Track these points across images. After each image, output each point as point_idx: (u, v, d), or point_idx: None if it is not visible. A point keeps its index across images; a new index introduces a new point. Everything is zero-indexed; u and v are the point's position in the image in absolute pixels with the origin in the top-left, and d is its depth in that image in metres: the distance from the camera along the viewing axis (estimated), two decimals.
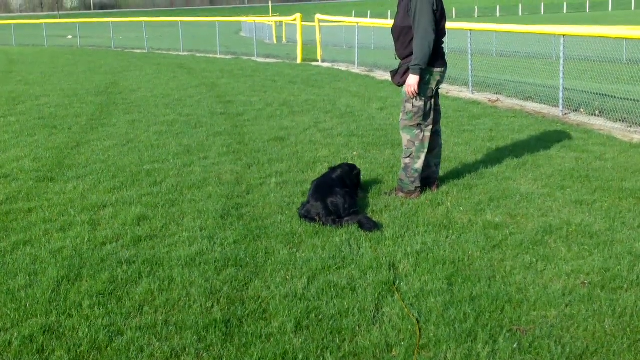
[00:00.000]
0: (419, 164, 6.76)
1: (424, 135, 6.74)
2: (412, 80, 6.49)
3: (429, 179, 7.00)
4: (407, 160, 6.78)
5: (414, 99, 6.60)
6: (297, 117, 11.43)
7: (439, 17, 6.47)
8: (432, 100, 6.72)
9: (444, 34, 6.66)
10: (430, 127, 6.76)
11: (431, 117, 6.75)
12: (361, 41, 21.43)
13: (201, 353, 3.95)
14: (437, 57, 6.56)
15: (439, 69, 6.63)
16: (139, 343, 4.03)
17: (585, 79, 14.32)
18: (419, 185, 6.83)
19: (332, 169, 6.87)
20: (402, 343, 4.00)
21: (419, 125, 6.71)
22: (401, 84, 6.69)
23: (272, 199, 6.83)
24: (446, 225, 5.97)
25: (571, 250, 5.33)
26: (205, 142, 9.55)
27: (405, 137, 6.80)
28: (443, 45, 6.74)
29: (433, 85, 6.64)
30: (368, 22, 25.43)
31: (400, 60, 6.73)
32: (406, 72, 6.57)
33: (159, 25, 43.27)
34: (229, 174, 7.81)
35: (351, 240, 5.61)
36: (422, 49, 6.36)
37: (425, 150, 6.77)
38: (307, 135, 9.88)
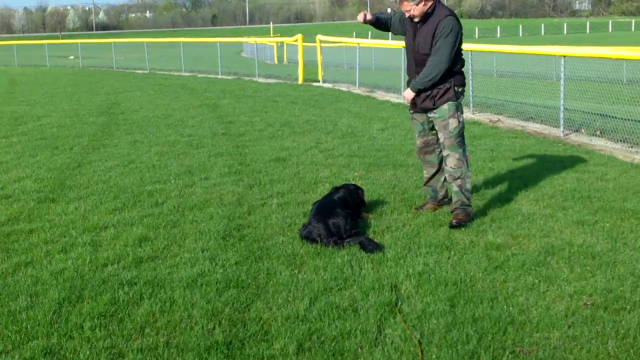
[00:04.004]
0: (470, 182, 6.70)
1: (469, 153, 6.69)
2: (409, 95, 6.63)
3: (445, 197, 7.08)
4: (459, 182, 6.62)
5: (458, 114, 6.60)
6: (298, 138, 11.45)
7: (458, 49, 6.54)
8: None
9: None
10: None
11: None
12: (362, 62, 21.50)
13: None
14: (463, 77, 6.70)
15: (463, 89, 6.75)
16: None
17: (585, 100, 14.35)
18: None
19: (335, 189, 6.88)
20: None
21: (462, 142, 6.67)
22: (437, 107, 6.60)
23: (273, 219, 6.82)
24: (448, 246, 5.96)
25: (573, 271, 5.32)
26: (207, 163, 9.56)
27: (454, 155, 6.64)
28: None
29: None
30: (369, 43, 25.57)
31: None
32: (444, 94, 6.56)
33: (160, 45, 43.45)
34: (231, 194, 7.81)
35: (353, 261, 5.60)
36: (431, 73, 6.40)
37: (470, 169, 6.78)
38: (309, 156, 9.89)
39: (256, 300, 4.89)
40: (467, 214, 6.58)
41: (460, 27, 6.49)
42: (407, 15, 6.50)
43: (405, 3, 6.40)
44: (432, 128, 6.81)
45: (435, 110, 6.63)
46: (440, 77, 6.45)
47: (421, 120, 6.84)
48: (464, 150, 6.69)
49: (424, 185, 7.12)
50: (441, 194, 7.00)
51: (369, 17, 6.71)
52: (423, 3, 6.37)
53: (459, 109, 6.62)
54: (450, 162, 6.65)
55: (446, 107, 6.57)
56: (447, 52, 6.36)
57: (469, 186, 6.66)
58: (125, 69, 32.97)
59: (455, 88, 6.58)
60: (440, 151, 6.83)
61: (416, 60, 6.61)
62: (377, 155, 9.82)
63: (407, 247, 5.94)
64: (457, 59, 6.53)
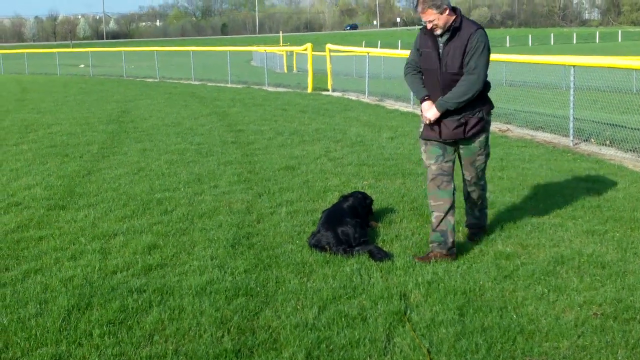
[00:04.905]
0: (487, 199, 6.55)
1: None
2: (433, 114, 5.80)
3: None
4: (484, 211, 6.51)
5: (487, 147, 6.09)
6: (307, 146, 11.46)
7: None
8: None
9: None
10: None
11: None
12: (371, 71, 21.50)
13: None
14: (491, 102, 6.08)
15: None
16: None
17: (595, 109, 14.32)
18: None
19: (344, 198, 6.88)
20: None
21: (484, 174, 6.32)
22: (467, 139, 5.93)
23: (282, 228, 6.82)
24: (457, 254, 5.94)
25: (583, 281, 5.30)
26: (216, 171, 9.57)
27: (478, 189, 6.33)
28: None
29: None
30: (378, 52, 25.58)
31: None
32: (476, 125, 5.88)
33: (170, 54, 43.56)
34: (240, 202, 7.82)
35: (362, 269, 5.60)
36: (466, 94, 5.71)
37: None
38: (318, 165, 9.90)
39: (265, 309, 4.89)
40: (484, 232, 6.50)
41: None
42: (429, 26, 5.75)
43: (430, 11, 5.65)
44: (453, 153, 6.06)
45: (464, 143, 5.99)
46: (471, 101, 5.79)
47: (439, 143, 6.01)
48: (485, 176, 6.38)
49: (432, 230, 5.97)
50: (451, 240, 5.90)
51: (427, 108, 5.90)
52: (448, 12, 5.69)
53: (488, 140, 6.09)
54: (475, 195, 6.35)
55: (477, 145, 5.98)
56: (484, 71, 5.73)
57: (486, 203, 6.53)
58: (135, 77, 33.09)
59: (488, 117, 6.00)
60: (453, 184, 6.01)
61: (444, 82, 5.80)
62: (386, 164, 9.81)
63: (416, 255, 5.92)
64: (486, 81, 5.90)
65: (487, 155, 6.17)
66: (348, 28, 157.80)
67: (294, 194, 8.17)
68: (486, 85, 5.88)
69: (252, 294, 5.14)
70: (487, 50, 5.77)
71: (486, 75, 5.81)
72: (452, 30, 5.74)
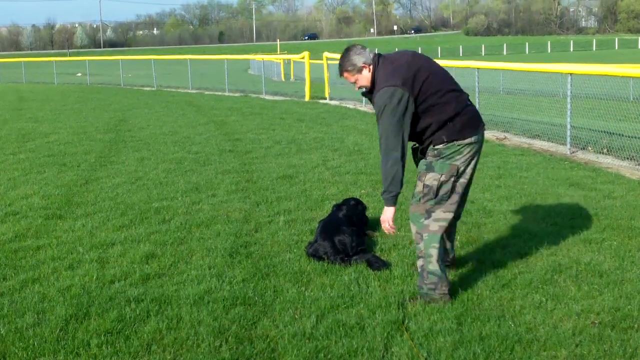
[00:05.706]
0: (434, 264, 5.03)
1: (434, 225, 5.06)
2: (388, 213, 5.16)
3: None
4: (420, 262, 5.10)
5: (426, 176, 5.07)
6: (305, 155, 11.47)
7: (429, 105, 4.96)
8: (459, 181, 5.10)
9: (453, 98, 5.04)
10: (448, 214, 5.10)
11: (449, 201, 5.09)
12: None
13: None
14: (463, 125, 5.00)
15: (469, 139, 5.03)
16: None
17: (592, 117, 14.34)
18: (446, 291, 5.07)
19: (338, 207, 6.88)
20: None
21: (427, 211, 5.07)
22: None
23: (280, 237, 6.83)
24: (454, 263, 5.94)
25: (581, 290, 5.31)
26: (214, 180, 9.58)
27: (412, 228, 5.19)
28: (468, 107, 5.14)
29: (460, 161, 5.03)
30: None
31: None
32: (430, 143, 5.08)
33: (168, 63, 43.56)
34: (238, 212, 7.82)
35: (360, 278, 5.60)
36: (387, 174, 5.01)
37: (438, 245, 5.03)
38: (316, 173, 9.90)
39: (263, 318, 4.89)
40: (428, 300, 5.08)
41: (405, 92, 4.89)
42: (356, 88, 5.21)
43: (347, 74, 5.09)
44: None
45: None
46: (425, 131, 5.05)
47: None
48: (430, 220, 5.07)
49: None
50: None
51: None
52: (367, 69, 5.06)
53: (430, 169, 5.05)
54: (412, 234, 5.24)
55: (423, 164, 5.17)
56: (391, 136, 4.97)
57: (432, 267, 5.05)
58: (132, 86, 33.09)
59: (439, 146, 5.03)
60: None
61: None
62: None
63: (414, 264, 5.93)
64: (428, 115, 4.98)
65: (427, 188, 5.07)
66: (306, 38, 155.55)
67: (292, 202, 8.18)
68: (429, 119, 5.00)
69: (250, 303, 5.14)
70: (390, 110, 4.92)
71: (401, 137, 4.97)
72: (372, 87, 5.10)
